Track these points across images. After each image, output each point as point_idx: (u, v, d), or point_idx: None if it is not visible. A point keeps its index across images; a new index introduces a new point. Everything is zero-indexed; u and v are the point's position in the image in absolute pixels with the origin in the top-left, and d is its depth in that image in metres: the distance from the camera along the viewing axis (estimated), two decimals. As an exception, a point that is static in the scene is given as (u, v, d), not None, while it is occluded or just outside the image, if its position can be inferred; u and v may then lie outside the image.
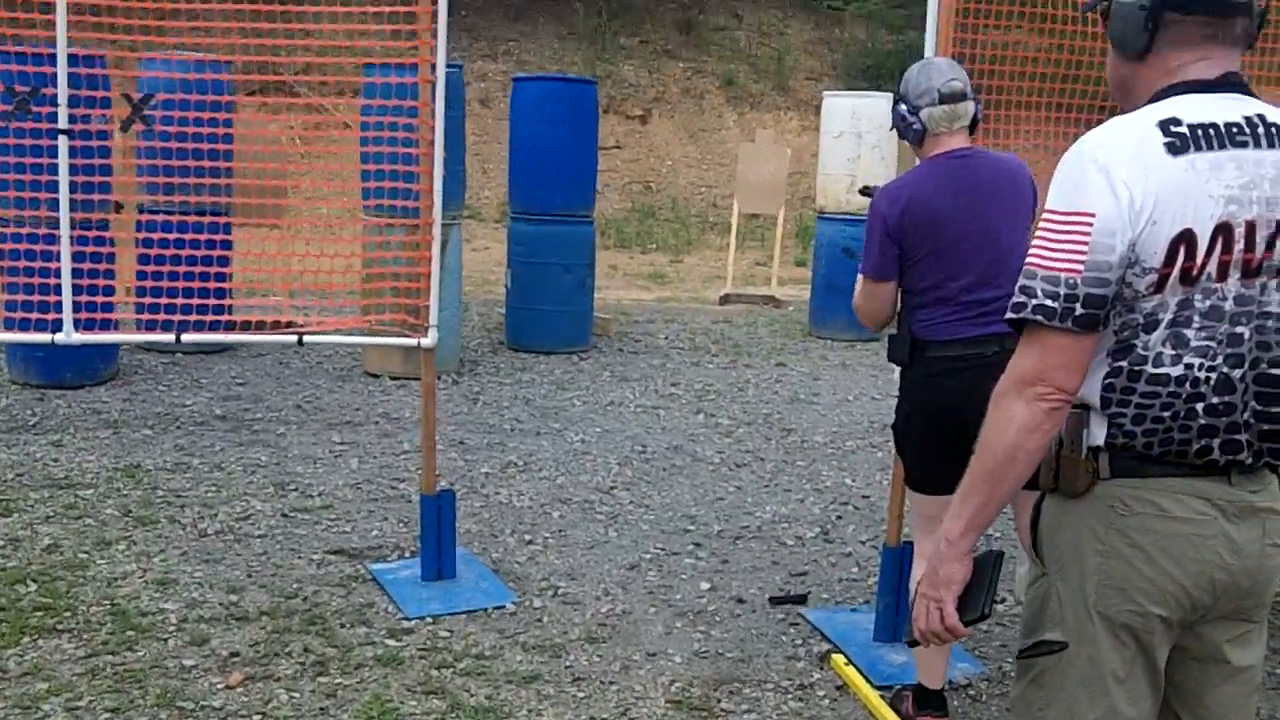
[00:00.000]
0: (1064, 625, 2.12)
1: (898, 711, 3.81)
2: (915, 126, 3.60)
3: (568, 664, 4.17)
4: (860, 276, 3.71)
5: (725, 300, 12.80)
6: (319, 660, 4.09)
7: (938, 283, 3.54)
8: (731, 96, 21.29)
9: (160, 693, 3.81)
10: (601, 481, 6.28)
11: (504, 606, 4.62)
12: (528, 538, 5.40)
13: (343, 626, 4.38)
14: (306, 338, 4.89)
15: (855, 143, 10.63)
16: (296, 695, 3.85)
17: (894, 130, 3.71)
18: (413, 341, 4.80)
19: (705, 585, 4.93)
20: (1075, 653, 2.10)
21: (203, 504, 5.59)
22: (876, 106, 10.54)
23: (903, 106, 3.61)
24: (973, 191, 3.52)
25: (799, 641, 4.44)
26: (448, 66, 4.82)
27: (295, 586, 4.71)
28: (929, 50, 4.20)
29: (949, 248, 3.51)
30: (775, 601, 4.77)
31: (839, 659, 4.18)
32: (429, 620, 4.46)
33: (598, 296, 10.40)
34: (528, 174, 9.63)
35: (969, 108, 3.59)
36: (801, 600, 4.81)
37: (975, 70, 4.54)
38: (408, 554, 5.09)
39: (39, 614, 4.33)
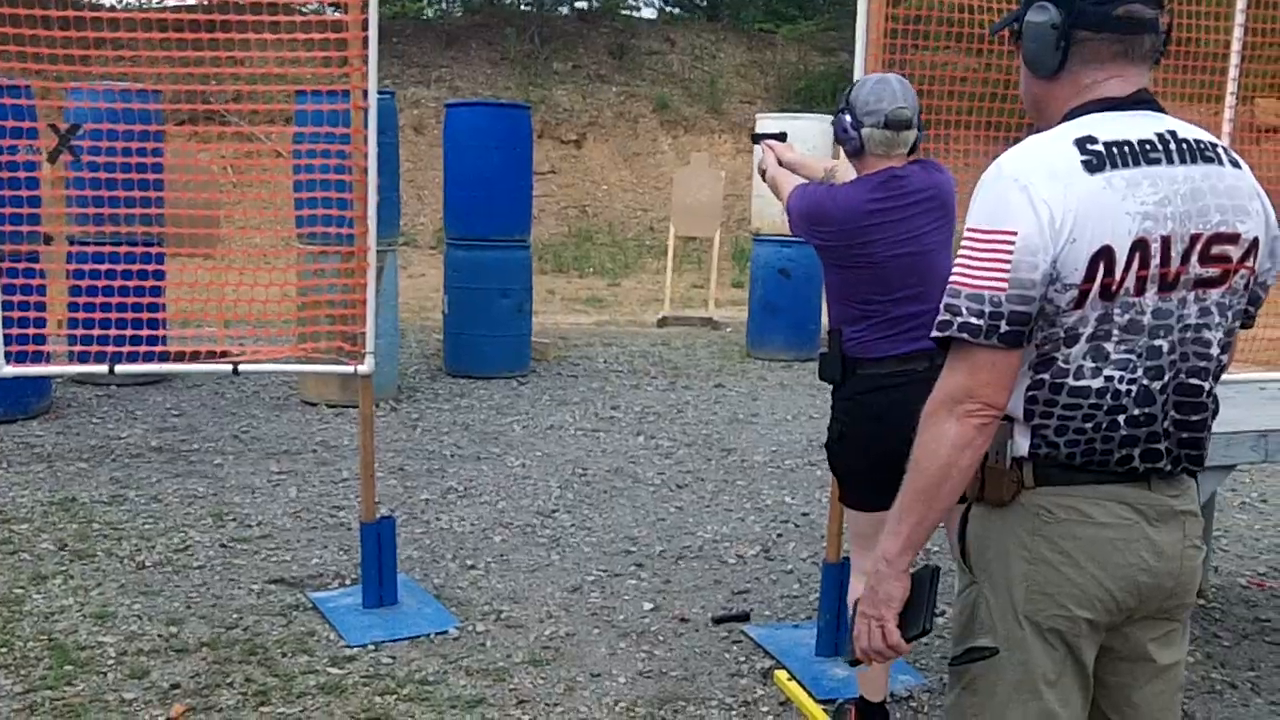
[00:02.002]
0: (994, 632, 2.15)
1: (840, 725, 3.85)
2: (854, 141, 3.60)
3: (512, 687, 4.17)
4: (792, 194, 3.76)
5: (663, 323, 12.87)
6: (261, 690, 4.06)
7: (867, 299, 3.57)
8: (665, 120, 21.41)
9: (99, 728, 3.76)
10: (543, 505, 6.28)
11: (446, 632, 4.61)
12: (469, 563, 5.38)
13: (284, 656, 4.34)
14: (242, 366, 4.86)
15: (788, 164, 10.71)
16: (238, 726, 3.82)
17: (834, 137, 3.73)
18: (350, 369, 4.79)
19: (648, 605, 4.95)
20: (1006, 658, 2.13)
21: (140, 536, 5.53)
22: (810, 128, 10.63)
23: (847, 117, 3.59)
24: (903, 210, 3.55)
25: (742, 658, 4.47)
26: (380, 93, 4.83)
27: (235, 617, 4.67)
28: (858, 71, 4.24)
29: (879, 265, 3.54)
30: (718, 620, 4.80)
31: (782, 674, 4.20)
32: (371, 647, 4.43)
33: (535, 321, 10.42)
34: (463, 200, 9.63)
35: (910, 137, 3.59)
36: (744, 618, 4.84)
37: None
38: (348, 582, 5.06)
39: (-27, 651, 4.26)
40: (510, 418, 8.25)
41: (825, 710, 3.96)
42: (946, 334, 2.03)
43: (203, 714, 3.88)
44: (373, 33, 4.57)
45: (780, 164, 3.93)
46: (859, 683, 3.82)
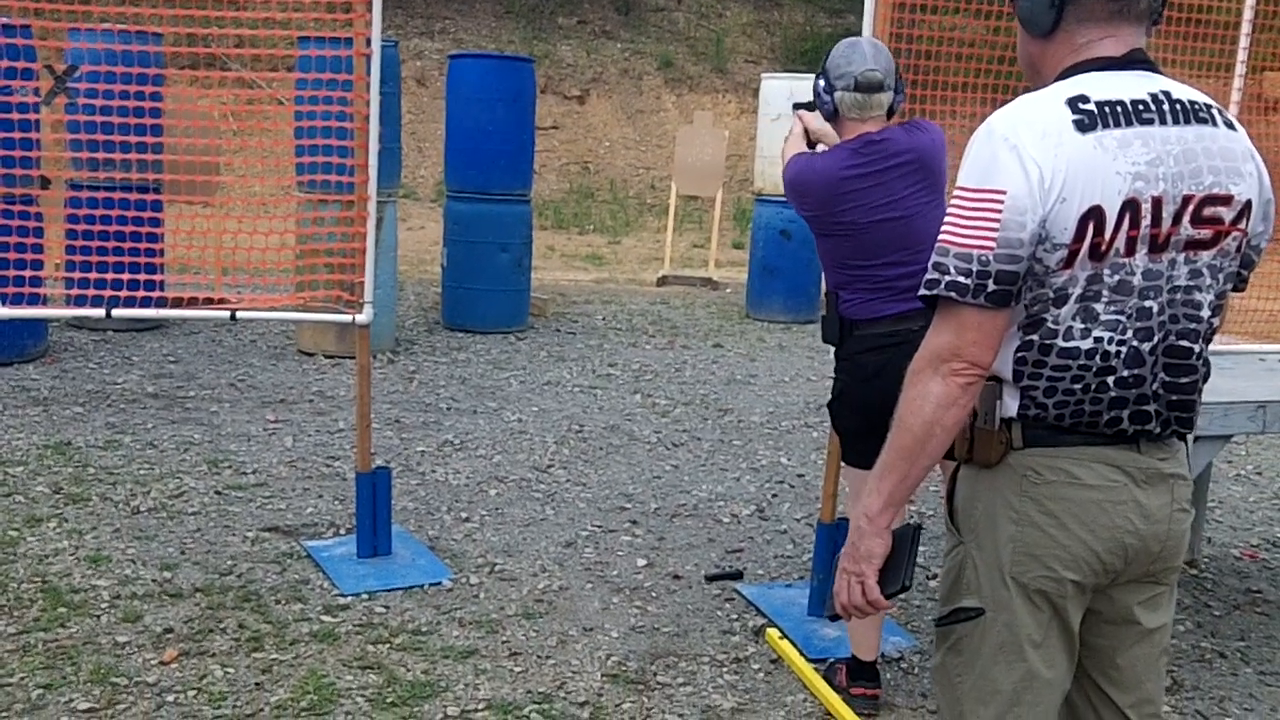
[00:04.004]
0: (980, 593, 2.15)
1: (831, 684, 3.86)
2: (827, 104, 3.64)
3: (504, 639, 4.18)
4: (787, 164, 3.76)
5: (663, 282, 12.83)
6: (254, 636, 4.07)
7: (857, 264, 3.59)
8: (670, 78, 21.28)
9: (93, 669, 3.76)
10: (538, 460, 6.28)
11: (440, 583, 4.62)
12: (464, 515, 5.39)
13: (278, 603, 4.35)
14: (240, 314, 4.84)
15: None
16: (231, 671, 3.82)
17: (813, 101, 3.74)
18: (347, 318, 4.77)
19: (642, 562, 4.96)
20: (992, 619, 2.14)
21: (135, 481, 5.53)
22: (812, 85, 10.56)
23: (821, 82, 3.64)
24: (880, 175, 3.54)
25: (734, 616, 4.48)
26: (383, 43, 4.78)
27: (229, 563, 4.67)
28: (865, 32, 4.21)
29: (860, 230, 3.56)
30: (711, 578, 4.81)
31: (774, 633, 4.22)
32: (365, 596, 4.44)
33: (535, 278, 10.39)
34: (464, 153, 9.58)
35: (884, 99, 3.60)
36: (737, 576, 4.85)
37: (913, 52, 4.58)
38: (343, 531, 5.07)
39: (-34, 592, 4.27)
40: (507, 373, 8.24)
41: (816, 669, 3.98)
42: (934, 293, 2.02)
43: (195, 659, 3.89)
44: (377, -22, 4.52)
45: (807, 134, 3.89)
46: (850, 642, 3.83)
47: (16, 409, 6.60)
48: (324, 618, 4.26)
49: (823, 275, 3.89)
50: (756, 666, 4.07)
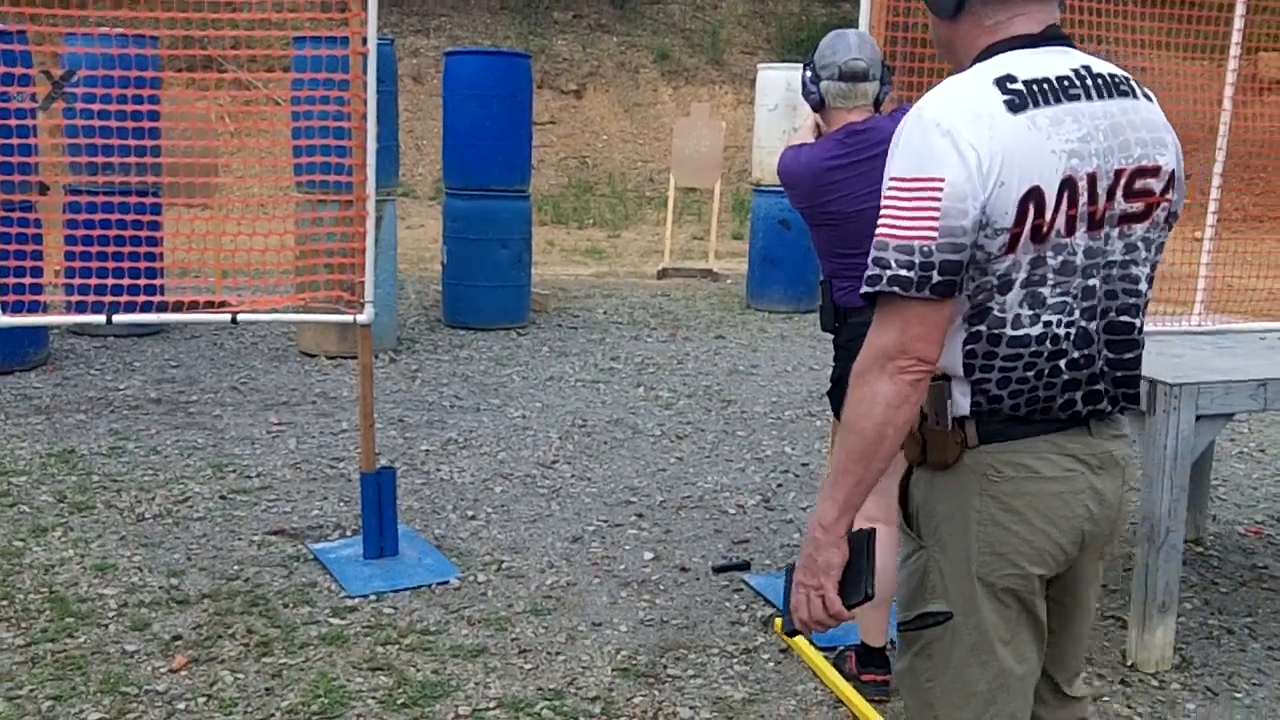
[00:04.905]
0: (947, 596, 2.11)
1: (841, 671, 3.86)
2: (814, 95, 3.67)
3: (514, 636, 4.17)
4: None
5: (663, 274, 12.82)
6: (263, 641, 4.06)
7: (847, 253, 3.62)
8: (666, 71, 21.26)
9: (103, 679, 3.76)
10: (543, 456, 6.27)
11: (448, 582, 4.61)
12: (470, 513, 5.38)
13: (286, 607, 4.34)
14: (241, 316, 4.83)
15: (791, 115, 10.65)
16: (241, 676, 3.82)
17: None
18: (349, 318, 4.76)
19: (649, 555, 4.95)
20: (961, 622, 2.10)
21: (140, 488, 5.52)
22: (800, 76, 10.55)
23: (808, 73, 3.67)
24: (865, 164, 3.55)
25: (743, 607, 4.47)
26: (379, 41, 4.77)
27: (236, 568, 4.67)
28: (862, 22, 4.21)
29: (847, 220, 3.58)
30: (719, 569, 4.78)
31: (782, 622, 4.22)
32: (373, 598, 4.44)
33: (535, 273, 10.38)
34: (462, 150, 9.57)
35: (869, 89, 3.62)
36: (745, 567, 4.79)
37: (911, 40, 4.56)
38: (349, 533, 5.06)
39: (-27, 602, 4.27)
40: (510, 369, 8.23)
41: (826, 657, 3.97)
42: (876, 289, 1.95)
43: (205, 665, 3.88)
44: (372, -24, 4.51)
45: (818, 129, 3.88)
46: (860, 629, 3.83)
47: (19, 417, 6.59)
48: (332, 620, 4.25)
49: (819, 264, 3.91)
50: (766, 656, 4.07)
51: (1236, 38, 5.05)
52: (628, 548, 5.04)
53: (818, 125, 3.83)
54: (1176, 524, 3.98)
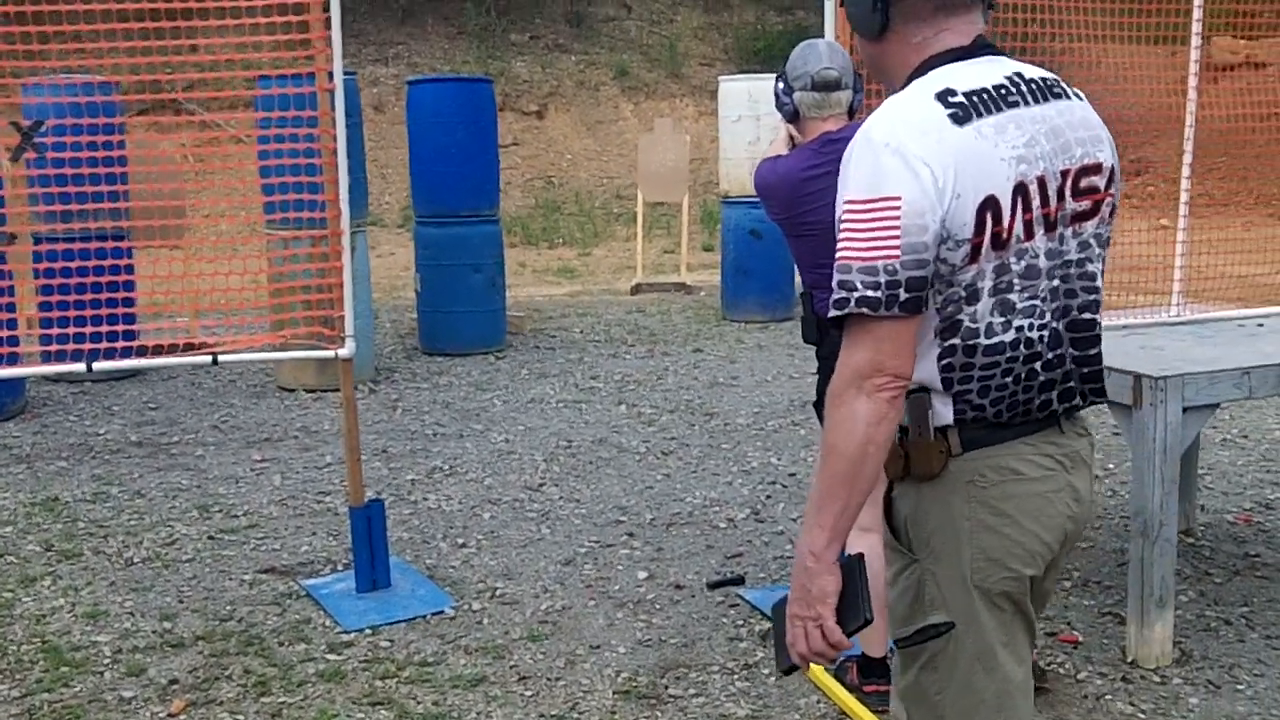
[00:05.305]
0: (947, 606, 2.11)
1: (842, 682, 3.86)
2: (788, 106, 3.71)
3: (512, 664, 4.17)
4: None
5: (636, 290, 12.84)
6: (260, 680, 4.04)
7: (825, 264, 3.60)
8: (626, 87, 21.32)
9: (100, 727, 3.74)
10: (529, 479, 6.27)
11: (443, 612, 4.60)
12: (460, 541, 5.37)
13: (281, 645, 4.33)
14: (222, 357, 4.81)
15: (754, 125, 10.70)
16: (241, 718, 3.80)
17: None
18: (330, 353, 4.76)
19: (642, 574, 4.95)
20: (963, 630, 2.11)
21: (126, 532, 5.49)
22: (772, 88, 10.59)
23: (780, 84, 3.71)
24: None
25: (740, 622, 4.48)
26: (343, 74, 4.77)
27: (229, 608, 4.65)
28: (828, 31, 4.24)
29: (825, 230, 3.57)
30: (713, 585, 4.79)
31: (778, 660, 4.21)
32: (368, 631, 4.42)
33: (509, 295, 10.38)
34: (430, 177, 9.58)
35: (842, 97, 3.66)
36: (739, 582, 4.84)
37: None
38: (340, 567, 5.04)
39: (-34, 658, 4.23)
40: (490, 393, 8.22)
41: (827, 669, 3.98)
42: (845, 311, 1.97)
43: (203, 708, 3.87)
44: (335, 13, 4.51)
45: (792, 141, 3.90)
46: (860, 639, 3.83)
47: (0, 467, 6.54)
48: (329, 656, 4.24)
49: (797, 274, 3.93)
50: (767, 671, 4.07)
51: (1196, 27, 5.09)
52: (621, 568, 5.04)
53: (791, 136, 3.85)
54: (1169, 517, 3.98)
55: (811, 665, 3.71)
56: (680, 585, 4.84)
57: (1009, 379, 2.06)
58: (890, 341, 1.96)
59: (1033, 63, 2.21)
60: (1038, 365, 2.07)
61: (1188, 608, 4.52)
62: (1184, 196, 5.17)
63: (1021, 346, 2.05)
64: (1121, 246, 5.10)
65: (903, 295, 1.94)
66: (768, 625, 4.41)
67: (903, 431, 2.10)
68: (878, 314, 1.94)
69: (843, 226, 2.00)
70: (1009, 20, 4.64)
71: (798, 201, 3.61)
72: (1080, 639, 4.28)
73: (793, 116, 3.72)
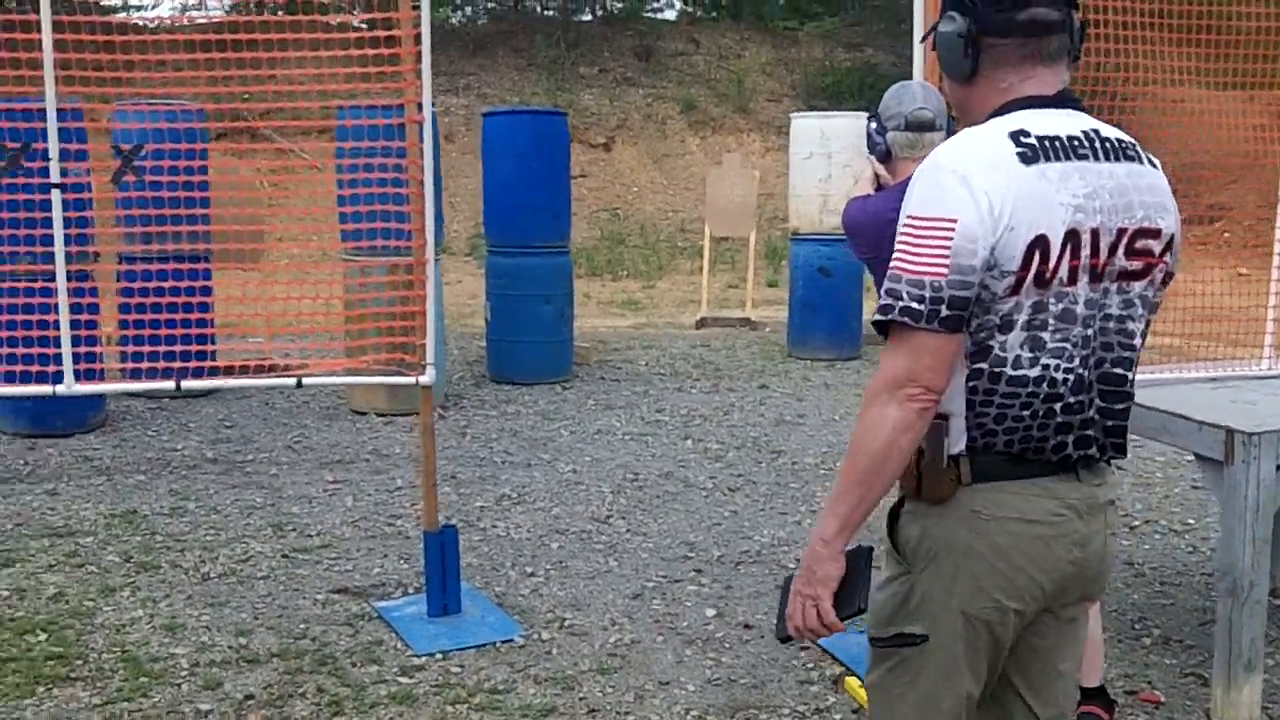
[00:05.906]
0: (927, 620, 2.21)
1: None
2: (880, 146, 3.75)
3: (581, 695, 4.19)
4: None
5: (701, 324, 12.88)
6: (334, 700, 4.10)
7: None
8: (693, 121, 21.46)
9: (180, 741, 3.81)
10: (597, 511, 6.31)
11: (512, 640, 4.64)
12: (529, 570, 5.42)
13: (354, 665, 4.39)
14: (305, 379, 4.91)
15: (825, 163, 10.74)
16: (316, 737, 3.86)
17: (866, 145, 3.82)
18: (411, 380, 4.83)
19: (711, 612, 4.96)
20: (935, 645, 2.20)
21: (203, 547, 5.59)
22: (844, 126, 10.66)
23: (873, 124, 3.75)
24: None
25: (811, 665, 4.47)
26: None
27: (303, 627, 4.72)
28: (916, 68, 4.27)
29: None
30: (785, 640, 4.79)
31: (853, 681, 4.20)
32: (439, 656, 4.47)
33: (575, 326, 10.46)
34: (503, 208, 9.69)
35: (935, 138, 3.67)
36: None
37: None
38: (411, 590, 5.10)
39: (51, 663, 4.32)
40: (557, 423, 8.28)
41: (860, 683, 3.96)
42: (888, 318, 2.08)
43: (280, 726, 3.93)
44: (425, 46, 4.61)
45: (877, 179, 3.93)
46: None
47: (81, 479, 6.69)
48: (401, 679, 4.29)
49: (865, 311, 3.94)
50: (839, 716, 4.07)
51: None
52: (689, 604, 5.06)
53: (876, 175, 3.89)
54: (1260, 578, 3.87)
55: (854, 685, 3.73)
56: (749, 625, 4.84)
57: (1026, 413, 2.13)
58: (929, 355, 2.06)
59: (1103, 105, 2.29)
60: (1057, 406, 2.14)
61: (1274, 671, 4.41)
62: (1278, 248, 5.04)
63: (1045, 385, 2.12)
64: (1197, 296, 5.06)
65: (944, 312, 2.04)
66: (839, 669, 4.40)
67: (920, 455, 2.18)
68: (918, 325, 2.05)
69: (900, 239, 2.11)
70: (1085, 64, 4.64)
71: (886, 242, 3.62)
72: (1162, 699, 4.18)
73: (885, 156, 3.75)
